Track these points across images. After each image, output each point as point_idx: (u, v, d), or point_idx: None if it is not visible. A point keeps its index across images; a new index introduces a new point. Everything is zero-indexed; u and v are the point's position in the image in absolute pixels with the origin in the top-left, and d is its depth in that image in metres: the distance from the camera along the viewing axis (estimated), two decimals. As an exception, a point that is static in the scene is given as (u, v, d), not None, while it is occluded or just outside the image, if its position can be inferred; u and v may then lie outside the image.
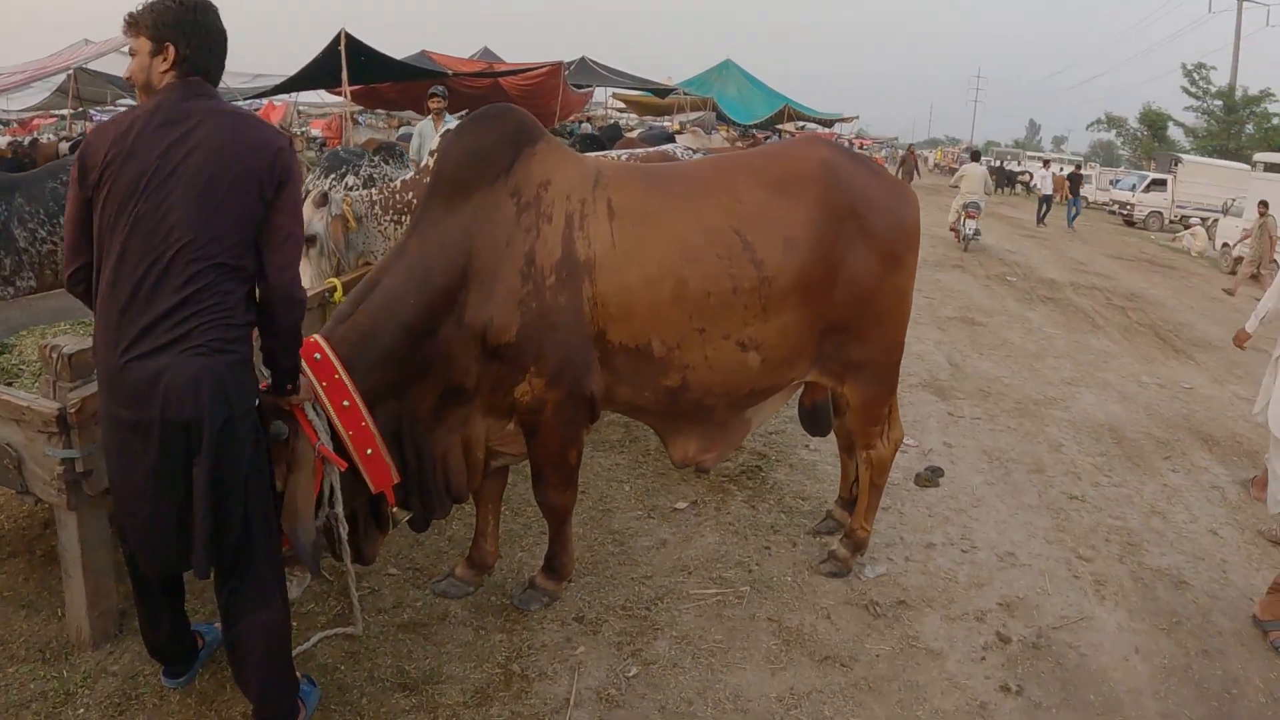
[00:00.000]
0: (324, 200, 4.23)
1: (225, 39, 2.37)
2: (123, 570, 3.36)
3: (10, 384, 3.52)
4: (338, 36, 11.08)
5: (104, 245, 2.22)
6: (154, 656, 2.78)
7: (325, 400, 2.68)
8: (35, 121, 23.41)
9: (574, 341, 2.95)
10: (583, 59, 19.49)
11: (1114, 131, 52.36)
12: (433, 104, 8.32)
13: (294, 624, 3.22)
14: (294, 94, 17.40)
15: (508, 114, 3.12)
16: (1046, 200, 22.59)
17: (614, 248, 2.94)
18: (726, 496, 4.39)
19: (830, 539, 3.92)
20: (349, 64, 11.25)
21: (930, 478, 4.75)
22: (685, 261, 2.97)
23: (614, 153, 5.52)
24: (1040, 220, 21.97)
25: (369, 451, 2.78)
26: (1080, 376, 7.31)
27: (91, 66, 16.05)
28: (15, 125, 22.79)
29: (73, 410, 2.80)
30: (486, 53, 20.64)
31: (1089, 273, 14.08)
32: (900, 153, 38.07)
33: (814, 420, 3.92)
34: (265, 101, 19.55)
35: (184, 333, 2.18)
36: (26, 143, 16.05)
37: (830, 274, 3.15)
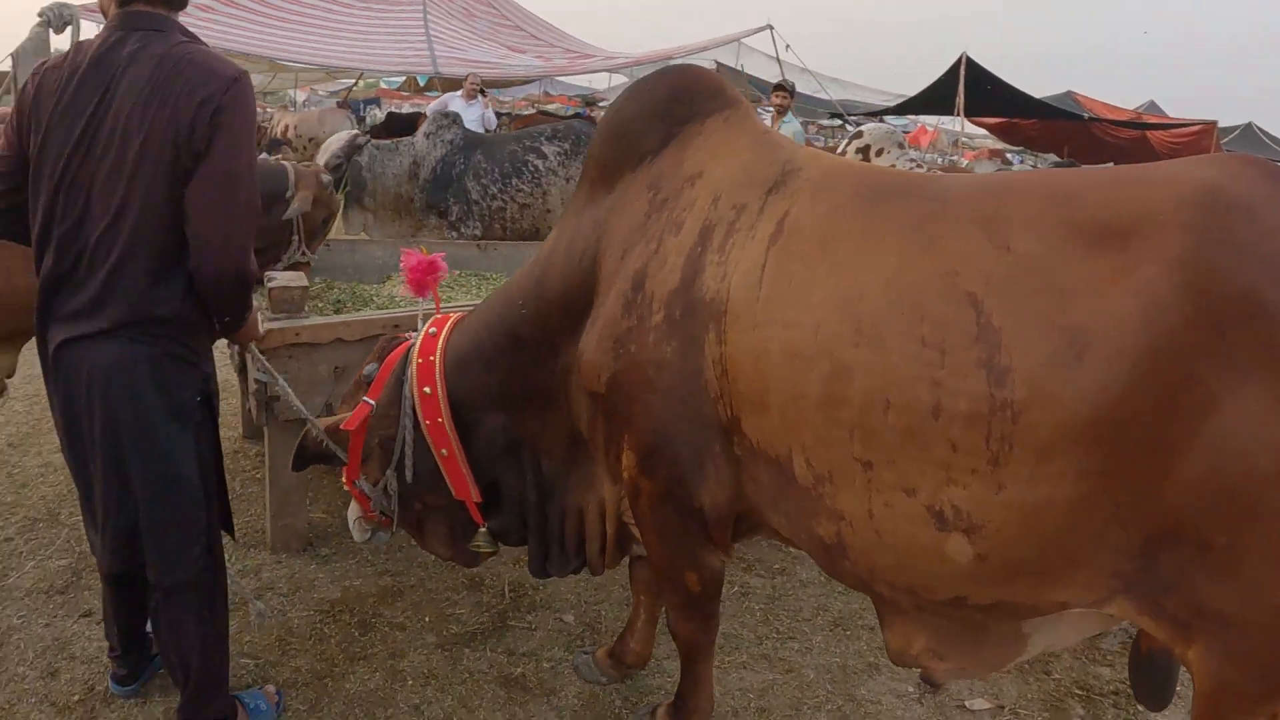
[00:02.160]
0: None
1: None
2: (317, 491, 3.45)
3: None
4: (958, 61, 10.50)
5: (35, 215, 1.97)
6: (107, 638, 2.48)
7: (414, 376, 2.30)
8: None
9: (679, 417, 1.93)
10: (1249, 125, 15.98)
11: None
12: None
13: (427, 617, 2.91)
14: (942, 117, 17.22)
15: (678, 74, 2.22)
16: None
17: (759, 288, 1.83)
18: (1056, 715, 2.76)
19: None
20: (975, 92, 10.70)
21: None
22: (856, 336, 1.71)
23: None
24: None
25: (444, 452, 2.32)
26: None
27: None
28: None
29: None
30: (1151, 106, 17.91)
31: None
32: None
33: (1147, 679, 2.15)
34: (919, 124, 19.81)
35: (104, 326, 1.93)
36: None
37: (1175, 421, 1.55)
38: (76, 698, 2.45)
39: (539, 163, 5.41)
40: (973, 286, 1.64)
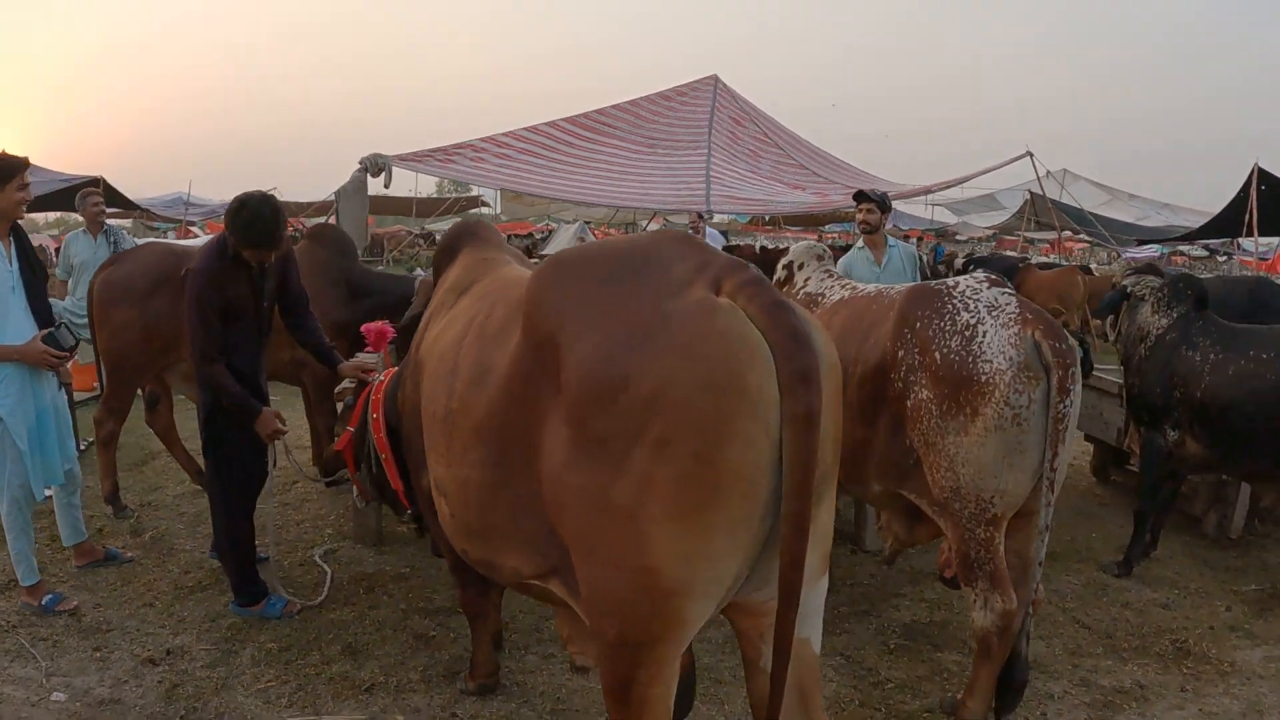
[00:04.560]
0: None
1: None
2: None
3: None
4: (1251, 174, 9.84)
5: None
6: None
7: (370, 408, 3.81)
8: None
9: (414, 432, 3.11)
10: None
11: None
12: None
13: (412, 594, 4.48)
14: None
15: (461, 224, 3.55)
16: None
17: (430, 348, 2.96)
18: None
19: None
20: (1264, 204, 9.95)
21: None
22: (432, 373, 2.82)
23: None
24: None
25: (383, 456, 3.79)
26: None
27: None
28: None
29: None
30: None
31: None
32: None
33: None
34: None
35: None
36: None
37: (531, 434, 2.15)
38: (189, 585, 4.49)
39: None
40: (466, 340, 2.60)
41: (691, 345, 1.85)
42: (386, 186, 8.66)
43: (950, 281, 3.57)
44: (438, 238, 23.55)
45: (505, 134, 9.81)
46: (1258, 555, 5.51)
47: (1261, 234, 10.59)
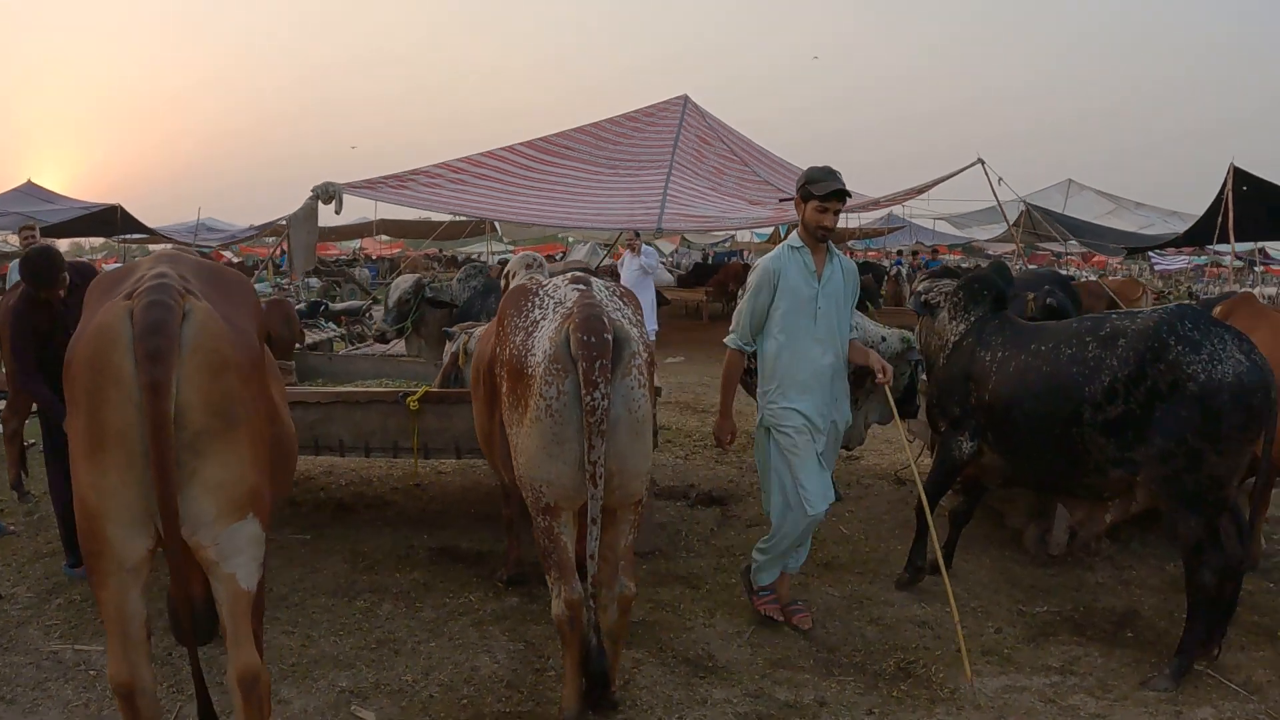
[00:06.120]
0: (450, 337, 5.89)
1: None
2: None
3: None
4: (1227, 175, 9.68)
5: None
6: None
7: None
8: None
9: None
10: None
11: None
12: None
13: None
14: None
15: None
16: None
17: None
18: None
19: None
20: (1258, 209, 9.81)
21: None
22: None
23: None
24: None
25: None
26: None
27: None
28: None
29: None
30: None
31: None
32: None
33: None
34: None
35: None
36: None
37: None
38: (46, 552, 5.84)
39: (533, 300, 7.58)
40: None
41: (86, 335, 2.58)
42: (337, 213, 9.80)
43: (544, 280, 3.83)
44: (459, 259, 25.22)
45: (462, 159, 10.80)
46: (1077, 575, 5.33)
47: (1246, 238, 10.24)
